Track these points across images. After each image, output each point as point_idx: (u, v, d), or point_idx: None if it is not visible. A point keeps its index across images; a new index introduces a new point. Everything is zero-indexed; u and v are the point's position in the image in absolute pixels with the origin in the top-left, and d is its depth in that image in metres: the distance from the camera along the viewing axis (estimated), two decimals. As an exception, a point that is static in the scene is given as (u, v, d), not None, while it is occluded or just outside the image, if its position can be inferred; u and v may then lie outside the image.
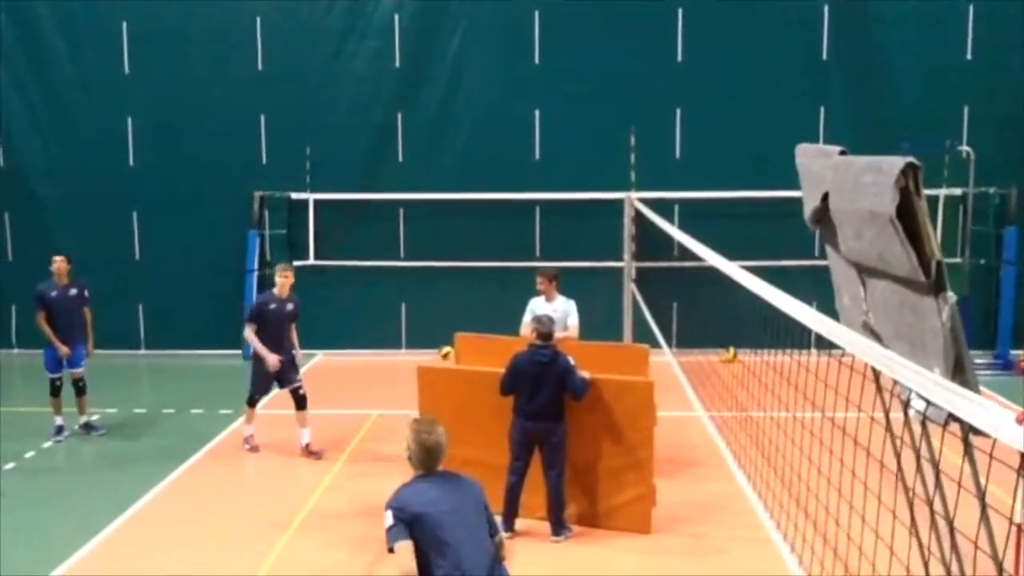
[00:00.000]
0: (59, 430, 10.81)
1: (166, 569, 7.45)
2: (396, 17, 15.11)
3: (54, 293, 10.68)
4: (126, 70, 15.31)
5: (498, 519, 7.87)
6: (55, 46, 15.25)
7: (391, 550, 4.54)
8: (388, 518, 4.57)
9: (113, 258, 15.36)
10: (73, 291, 10.80)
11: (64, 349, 10.59)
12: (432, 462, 4.71)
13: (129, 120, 15.41)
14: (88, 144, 15.38)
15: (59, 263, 10.75)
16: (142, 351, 15.65)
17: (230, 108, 15.18)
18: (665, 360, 10.28)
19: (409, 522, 4.53)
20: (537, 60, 15.09)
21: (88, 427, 11.02)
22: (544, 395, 7.64)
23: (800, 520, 5.12)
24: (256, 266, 15.29)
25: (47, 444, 10.62)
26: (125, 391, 13.06)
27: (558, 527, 7.87)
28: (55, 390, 10.75)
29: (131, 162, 15.49)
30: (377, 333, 15.43)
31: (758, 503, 5.71)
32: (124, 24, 15.20)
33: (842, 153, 3.32)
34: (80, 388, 10.87)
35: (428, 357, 13.76)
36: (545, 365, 7.68)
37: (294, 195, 15.29)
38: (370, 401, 12.30)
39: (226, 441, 10.82)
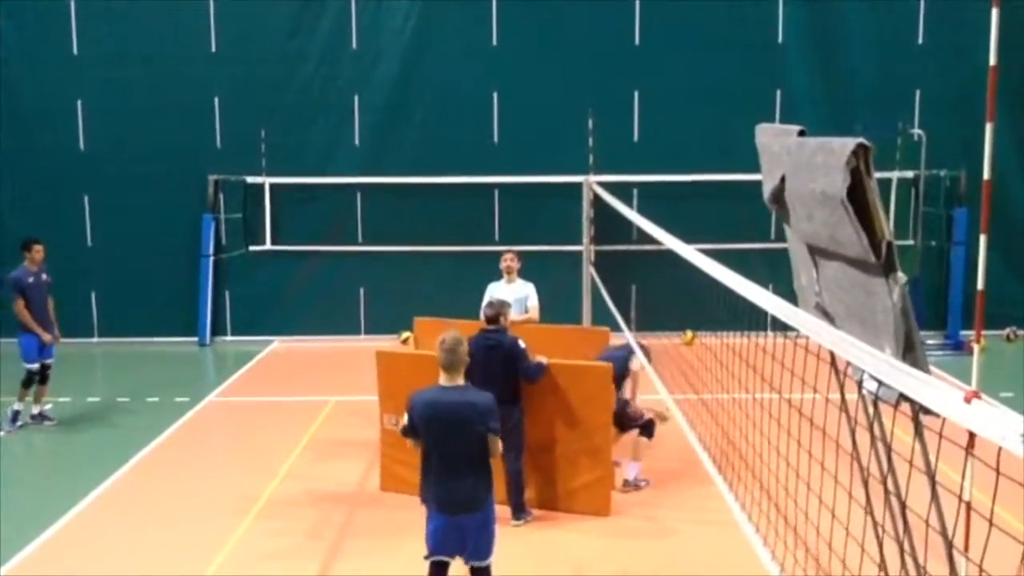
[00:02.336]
0: (15, 417, 10.59)
1: (122, 558, 7.35)
2: (352, -2, 14.93)
3: (31, 279, 10.48)
4: (75, 51, 14.97)
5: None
6: (1, 25, 14.84)
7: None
8: (404, 419, 5.80)
9: (65, 244, 15.00)
10: (44, 277, 10.66)
11: (48, 336, 10.46)
12: (452, 362, 5.64)
13: (79, 102, 15.08)
14: (37, 126, 15.01)
15: (40, 250, 10.58)
16: (95, 339, 15.38)
17: (183, 90, 14.91)
18: (624, 343, 10.31)
19: (417, 425, 5.70)
20: (495, 42, 15.01)
21: (41, 417, 10.82)
22: (494, 379, 7.61)
23: (763, 501, 5.16)
24: (211, 251, 15.08)
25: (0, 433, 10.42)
26: (78, 380, 12.82)
27: (518, 511, 7.87)
28: (30, 379, 10.53)
29: (82, 146, 15.18)
30: (335, 319, 15.31)
31: (723, 485, 5.75)
32: (72, 3, 14.84)
33: (801, 133, 3.33)
34: (45, 376, 10.68)
35: (387, 343, 13.69)
36: (492, 348, 7.68)
37: (249, 179, 15.09)
38: (328, 388, 12.21)
39: (182, 429, 10.68)
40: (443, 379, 5.69)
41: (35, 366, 10.53)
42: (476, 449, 5.67)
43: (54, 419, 10.86)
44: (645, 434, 8.63)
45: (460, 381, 5.72)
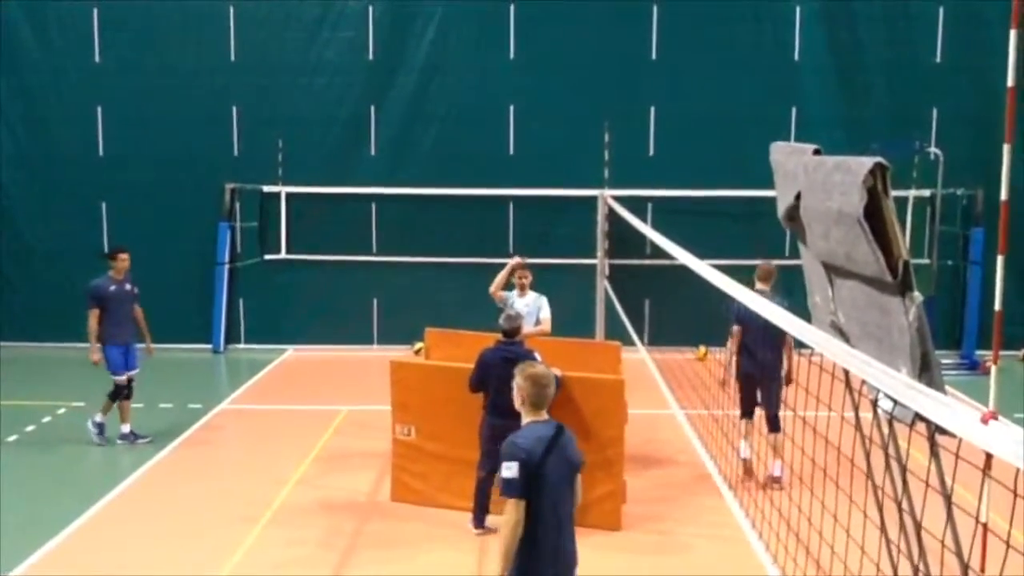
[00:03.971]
0: (101, 429, 10.31)
1: (132, 565, 7.36)
2: (370, 8, 15.02)
3: (112, 288, 10.21)
4: (96, 59, 15.11)
5: (468, 516, 7.90)
6: (23, 33, 15.00)
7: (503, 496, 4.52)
8: (512, 469, 4.46)
9: (81, 250, 15.14)
10: (128, 287, 10.38)
11: (96, 356, 10.08)
12: (545, 396, 4.76)
13: (99, 109, 15.21)
14: (57, 133, 15.17)
15: (125, 259, 10.29)
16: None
17: (202, 99, 15.02)
18: (638, 357, 10.31)
19: (530, 476, 4.46)
20: (512, 55, 15.07)
21: (133, 436, 10.36)
22: (511, 391, 7.62)
23: (773, 518, 5.14)
24: (227, 259, 15.15)
25: (12, 438, 10.46)
26: (93, 386, 12.86)
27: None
28: (117, 392, 10.22)
29: (101, 152, 15.30)
30: (348, 328, 15.33)
31: (733, 501, 5.74)
32: (95, 12, 14.99)
33: (816, 152, 3.33)
34: (129, 392, 10.34)
35: (399, 353, 13.71)
36: (511, 361, 7.67)
37: (266, 188, 15.17)
38: (341, 397, 12.23)
39: (195, 435, 10.71)
40: (537, 415, 4.78)
41: (122, 378, 10.22)
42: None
43: (148, 436, 10.41)
44: (773, 428, 8.56)
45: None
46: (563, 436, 4.71)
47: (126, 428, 10.38)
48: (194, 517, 8.31)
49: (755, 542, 5.17)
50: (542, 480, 4.47)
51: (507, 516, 4.42)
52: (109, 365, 10.18)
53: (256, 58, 15.03)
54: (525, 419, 4.75)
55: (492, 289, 9.63)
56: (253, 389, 12.47)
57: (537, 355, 7.82)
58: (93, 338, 10.07)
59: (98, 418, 10.33)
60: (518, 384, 4.77)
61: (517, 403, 4.78)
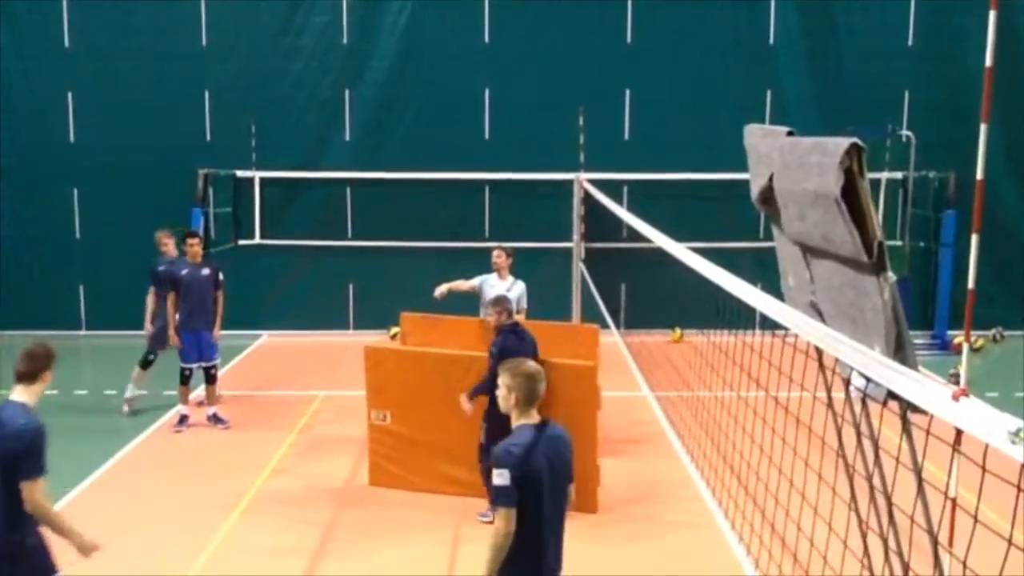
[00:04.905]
0: (183, 419, 10.33)
1: (106, 555, 7.30)
2: (344, -7, 14.91)
3: (184, 272, 10.12)
4: (66, 44, 14.89)
5: (447, 500, 7.91)
6: (-10, 16, 14.78)
7: (493, 508, 4.29)
8: (504, 477, 4.23)
9: (53, 236, 15.01)
10: (205, 272, 10.25)
11: (174, 339, 10.07)
12: (536, 393, 4.48)
13: (69, 95, 15.01)
14: (26, 118, 14.94)
15: (193, 243, 10.23)
16: (83, 332, 15.32)
17: (174, 84, 14.86)
18: (613, 340, 10.36)
19: (523, 481, 4.26)
20: (487, 39, 15.01)
21: (216, 419, 10.41)
22: None
23: (742, 498, 5.20)
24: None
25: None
26: (66, 373, 12.67)
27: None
28: (183, 378, 10.23)
29: (72, 138, 15.11)
30: (324, 313, 15.29)
31: (701, 483, 5.80)
32: (63, -5, 14.78)
33: (789, 134, 3.35)
34: (211, 376, 10.35)
35: (376, 338, 13.67)
36: (523, 342, 7.75)
37: (239, 173, 15.05)
38: (317, 382, 12.21)
39: (170, 422, 10.65)
40: (528, 416, 4.52)
41: (189, 366, 10.17)
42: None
43: (227, 421, 10.40)
44: None
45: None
46: (557, 438, 4.51)
47: (210, 411, 10.43)
48: (170, 504, 8.28)
49: (722, 521, 5.23)
50: (535, 486, 4.30)
51: (498, 525, 4.25)
52: (182, 351, 10.22)
53: (229, 43, 14.88)
54: (516, 420, 4.49)
55: (451, 286, 9.51)
56: (228, 375, 12.39)
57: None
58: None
59: (183, 409, 10.37)
60: (507, 383, 4.46)
61: (507, 404, 4.50)
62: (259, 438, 10.04)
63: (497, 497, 4.31)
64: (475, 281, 9.56)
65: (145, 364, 10.89)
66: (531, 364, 4.66)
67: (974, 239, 2.71)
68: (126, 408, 10.93)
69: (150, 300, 10.64)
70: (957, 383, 11.97)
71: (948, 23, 14.45)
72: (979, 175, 2.65)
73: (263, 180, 15.10)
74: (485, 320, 9.30)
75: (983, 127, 2.64)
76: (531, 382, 4.47)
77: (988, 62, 2.60)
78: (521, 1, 14.83)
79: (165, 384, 11.78)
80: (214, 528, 7.73)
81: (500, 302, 8.06)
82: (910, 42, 14.94)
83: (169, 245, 10.83)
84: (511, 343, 7.66)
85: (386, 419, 8.43)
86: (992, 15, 2.52)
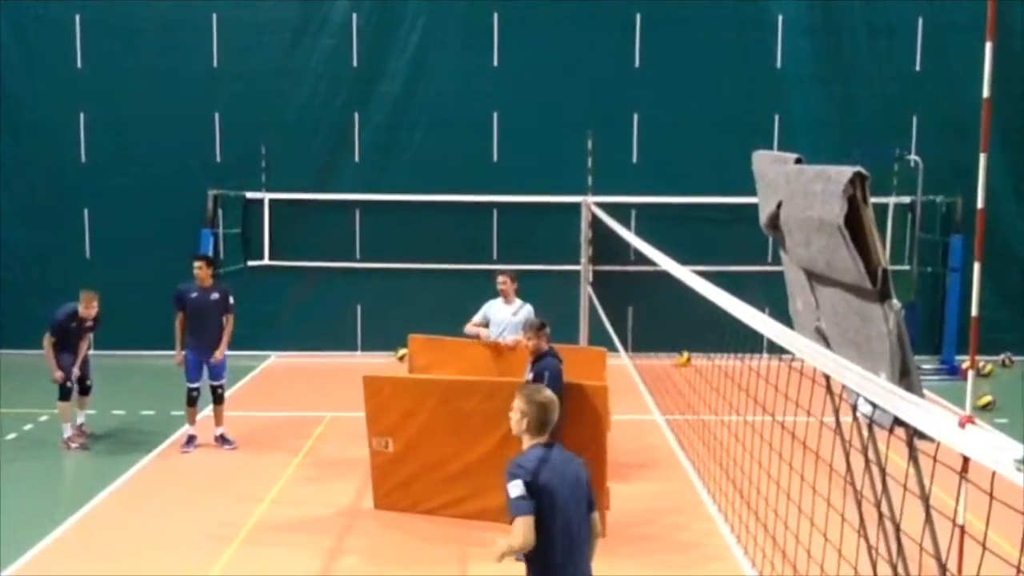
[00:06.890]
0: (190, 440, 10.34)
1: None
2: (354, 15, 15.03)
3: (194, 295, 10.20)
4: (78, 64, 15.04)
5: (453, 522, 7.89)
6: (4, 38, 14.91)
7: (511, 520, 4.32)
8: (517, 487, 4.32)
9: (64, 255, 15.07)
10: (214, 296, 10.27)
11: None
12: (549, 422, 4.55)
13: (81, 115, 15.13)
14: (38, 138, 15.07)
15: (198, 266, 10.22)
16: (91, 351, 15.30)
17: (184, 105, 14.97)
18: (621, 363, 10.35)
19: (536, 493, 4.32)
20: (496, 62, 15.10)
21: (222, 439, 10.44)
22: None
23: (752, 523, 5.18)
24: (209, 265, 15.06)
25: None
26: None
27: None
28: (189, 399, 10.25)
29: (83, 158, 15.22)
30: (332, 335, 15.30)
31: (713, 507, 5.78)
32: (77, 17, 14.93)
33: (798, 161, 3.37)
34: (218, 397, 10.36)
35: (383, 359, 13.70)
36: (561, 364, 7.88)
37: (249, 194, 15.13)
38: (324, 404, 12.21)
39: (177, 443, 10.65)
40: (539, 439, 4.58)
41: (191, 385, 10.23)
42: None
43: (234, 442, 10.43)
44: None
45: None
46: (568, 459, 4.60)
47: (218, 431, 10.48)
48: (172, 530, 8.19)
49: (734, 547, 5.21)
50: (550, 498, 4.35)
51: (516, 531, 4.28)
52: (186, 370, 10.30)
53: (239, 64, 15.00)
54: (527, 443, 4.57)
55: (477, 331, 9.64)
56: (235, 396, 12.40)
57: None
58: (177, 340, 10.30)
59: (189, 430, 10.41)
60: (522, 408, 4.54)
61: (518, 428, 4.57)
62: (266, 459, 10.03)
63: (515, 508, 4.31)
64: (481, 314, 9.68)
65: (63, 396, 10.48)
66: (548, 393, 4.71)
67: (976, 266, 2.72)
68: (74, 445, 10.39)
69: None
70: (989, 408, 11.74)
71: (956, 47, 14.47)
72: (980, 204, 2.66)
73: (272, 201, 15.18)
74: (503, 343, 9.36)
75: (982, 156, 2.66)
76: (545, 412, 4.54)
77: (986, 93, 2.62)
78: (530, 24, 14.93)
79: (172, 404, 11.80)
80: (217, 553, 7.67)
81: (543, 327, 8.18)
82: (918, 67, 14.98)
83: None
84: (558, 365, 7.89)
85: (388, 446, 8.40)
86: (988, 46, 2.54)
